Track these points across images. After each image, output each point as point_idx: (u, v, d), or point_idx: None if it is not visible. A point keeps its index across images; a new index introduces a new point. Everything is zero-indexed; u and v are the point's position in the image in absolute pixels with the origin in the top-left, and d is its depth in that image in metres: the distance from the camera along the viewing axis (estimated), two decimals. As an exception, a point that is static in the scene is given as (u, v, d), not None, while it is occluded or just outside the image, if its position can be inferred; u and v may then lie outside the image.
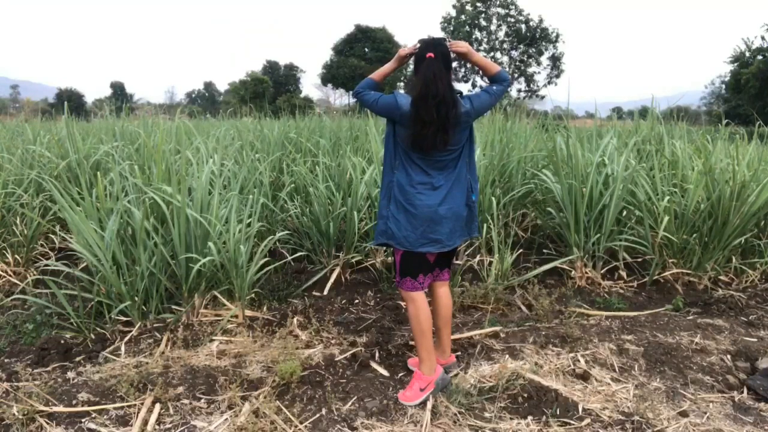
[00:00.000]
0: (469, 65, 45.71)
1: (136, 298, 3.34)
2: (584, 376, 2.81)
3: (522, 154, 5.32)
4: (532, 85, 45.48)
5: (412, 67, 2.63)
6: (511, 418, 2.46)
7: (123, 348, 3.13)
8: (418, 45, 2.56)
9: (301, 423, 2.42)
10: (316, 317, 3.60)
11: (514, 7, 43.43)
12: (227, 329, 3.37)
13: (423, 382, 2.61)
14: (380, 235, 2.67)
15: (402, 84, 50.19)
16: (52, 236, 5.01)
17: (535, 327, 3.46)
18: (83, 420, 2.41)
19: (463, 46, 2.58)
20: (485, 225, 4.56)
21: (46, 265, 3.99)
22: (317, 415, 2.50)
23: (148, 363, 2.89)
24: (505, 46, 44.81)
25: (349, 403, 2.60)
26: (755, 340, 3.32)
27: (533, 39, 43.58)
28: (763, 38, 32.88)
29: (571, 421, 2.42)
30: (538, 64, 45.01)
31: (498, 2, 43.42)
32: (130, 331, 3.29)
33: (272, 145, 6.25)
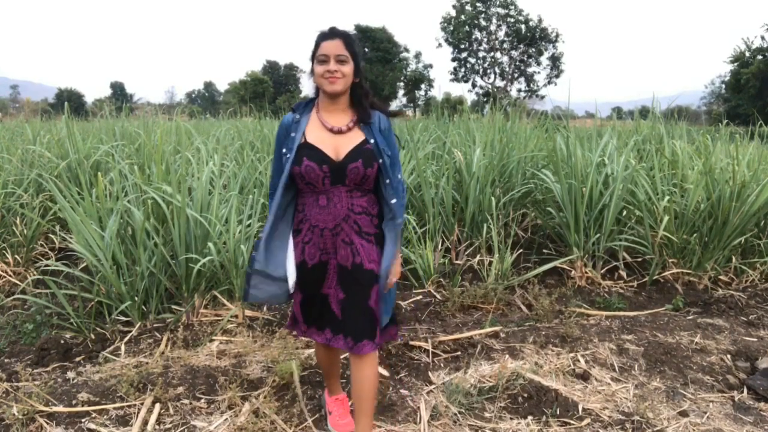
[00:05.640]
0: (468, 65, 45.76)
1: (136, 298, 3.34)
2: (584, 376, 2.81)
3: (522, 154, 5.31)
4: (531, 85, 45.54)
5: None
6: (511, 418, 2.46)
7: (123, 348, 3.13)
8: None
9: (301, 423, 2.42)
10: (316, 317, 3.59)
11: (513, 7, 43.45)
12: (227, 329, 3.37)
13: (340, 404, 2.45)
14: None
15: (402, 84, 49.99)
16: (52, 236, 5.01)
17: (535, 327, 3.46)
18: (83, 420, 2.41)
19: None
20: (485, 225, 4.56)
21: (46, 265, 3.99)
22: (317, 415, 2.50)
23: (148, 363, 2.89)
24: (505, 46, 44.86)
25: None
26: (755, 339, 3.32)
27: (533, 39, 43.61)
28: (763, 38, 32.93)
29: (571, 421, 2.42)
30: (538, 64, 45.08)
31: (498, 2, 43.42)
32: (130, 331, 3.29)
33: (272, 145, 6.24)
